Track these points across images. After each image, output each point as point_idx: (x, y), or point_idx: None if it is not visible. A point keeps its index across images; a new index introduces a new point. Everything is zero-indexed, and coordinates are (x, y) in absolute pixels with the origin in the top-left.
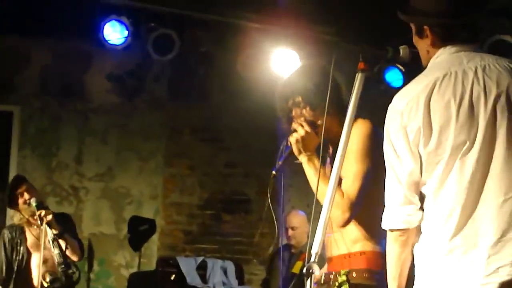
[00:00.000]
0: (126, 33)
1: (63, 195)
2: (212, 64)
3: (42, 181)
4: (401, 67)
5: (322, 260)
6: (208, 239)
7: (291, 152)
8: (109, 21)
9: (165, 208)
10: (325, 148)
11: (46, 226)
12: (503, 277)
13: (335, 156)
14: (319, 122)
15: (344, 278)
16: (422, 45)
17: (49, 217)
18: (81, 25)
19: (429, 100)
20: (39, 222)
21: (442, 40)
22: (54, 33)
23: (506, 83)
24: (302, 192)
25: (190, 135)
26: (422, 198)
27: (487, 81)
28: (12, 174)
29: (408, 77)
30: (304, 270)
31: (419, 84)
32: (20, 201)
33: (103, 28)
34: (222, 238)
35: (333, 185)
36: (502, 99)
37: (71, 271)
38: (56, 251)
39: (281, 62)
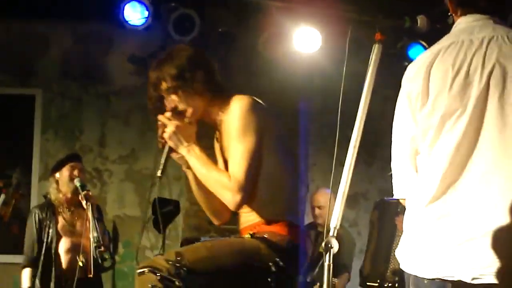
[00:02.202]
0: (146, 13)
1: (87, 178)
2: (233, 44)
3: None
4: (424, 44)
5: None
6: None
7: (171, 149)
8: (129, 2)
9: (189, 189)
10: (212, 133)
11: (90, 207)
12: (475, 248)
13: (221, 136)
14: (189, 109)
15: (248, 235)
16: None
17: (95, 199)
18: (101, 6)
19: (431, 68)
20: (84, 202)
21: (459, 6)
22: (74, 16)
23: (507, 57)
24: (326, 171)
25: None
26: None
27: (489, 53)
28: (36, 157)
29: None
30: (323, 245)
31: (429, 51)
32: (66, 173)
33: (123, 9)
34: None
35: (350, 162)
36: (497, 72)
37: (106, 255)
38: (95, 234)
39: (303, 41)
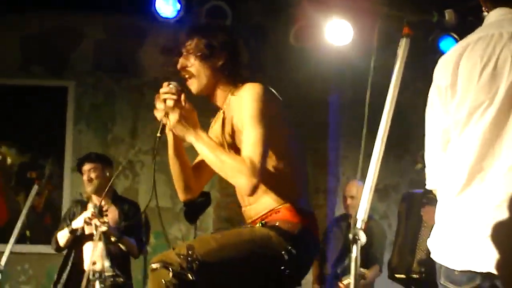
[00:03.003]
0: (178, 6)
1: (118, 169)
2: (265, 36)
3: None
4: (455, 36)
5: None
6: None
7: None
8: None
9: (220, 181)
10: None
11: (102, 235)
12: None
13: (225, 122)
14: (193, 75)
15: (259, 224)
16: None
17: (103, 228)
18: None
19: (459, 61)
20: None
21: (488, 1)
22: (107, 9)
23: None
24: (357, 164)
25: None
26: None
27: None
28: (68, 148)
29: None
30: (350, 237)
31: (458, 45)
32: (84, 177)
33: (155, 1)
34: None
35: (378, 155)
36: None
37: (120, 279)
38: (106, 264)
39: (334, 33)
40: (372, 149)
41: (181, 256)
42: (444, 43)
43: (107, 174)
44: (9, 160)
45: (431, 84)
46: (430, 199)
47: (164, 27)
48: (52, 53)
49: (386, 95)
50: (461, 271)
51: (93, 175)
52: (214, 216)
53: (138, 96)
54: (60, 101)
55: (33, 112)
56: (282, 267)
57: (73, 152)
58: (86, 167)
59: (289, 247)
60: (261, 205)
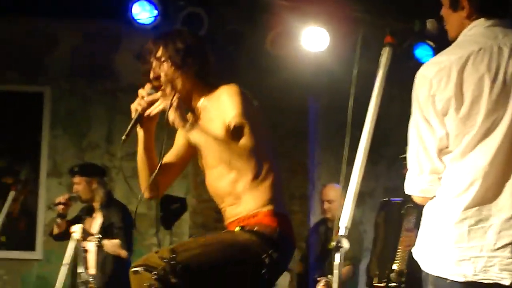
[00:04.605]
0: (155, 12)
1: None
2: (241, 42)
3: (73, 161)
4: (431, 43)
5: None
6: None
7: (141, 116)
8: (138, 1)
9: (195, 187)
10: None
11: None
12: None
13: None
14: (169, 85)
15: (238, 228)
16: (455, 17)
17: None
18: (110, 4)
19: (462, 72)
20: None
21: (479, 12)
22: (83, 14)
23: None
24: (332, 169)
25: None
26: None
27: None
28: (44, 154)
29: (438, 52)
30: (333, 244)
31: (453, 55)
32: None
33: (131, 7)
34: None
35: (361, 163)
36: None
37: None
38: (80, 270)
39: (310, 40)
40: (350, 154)
41: (164, 260)
42: (419, 50)
43: (94, 185)
44: None
45: (405, 90)
46: (408, 209)
47: (140, 33)
48: (27, 58)
49: (362, 100)
50: (453, 281)
51: (78, 189)
52: (190, 222)
53: (113, 101)
54: (36, 106)
55: (8, 118)
56: (263, 271)
57: (49, 157)
58: (74, 180)
59: (270, 251)
60: (240, 207)
